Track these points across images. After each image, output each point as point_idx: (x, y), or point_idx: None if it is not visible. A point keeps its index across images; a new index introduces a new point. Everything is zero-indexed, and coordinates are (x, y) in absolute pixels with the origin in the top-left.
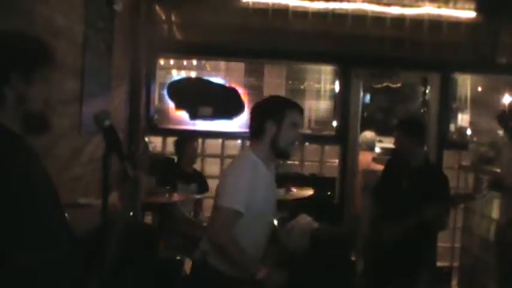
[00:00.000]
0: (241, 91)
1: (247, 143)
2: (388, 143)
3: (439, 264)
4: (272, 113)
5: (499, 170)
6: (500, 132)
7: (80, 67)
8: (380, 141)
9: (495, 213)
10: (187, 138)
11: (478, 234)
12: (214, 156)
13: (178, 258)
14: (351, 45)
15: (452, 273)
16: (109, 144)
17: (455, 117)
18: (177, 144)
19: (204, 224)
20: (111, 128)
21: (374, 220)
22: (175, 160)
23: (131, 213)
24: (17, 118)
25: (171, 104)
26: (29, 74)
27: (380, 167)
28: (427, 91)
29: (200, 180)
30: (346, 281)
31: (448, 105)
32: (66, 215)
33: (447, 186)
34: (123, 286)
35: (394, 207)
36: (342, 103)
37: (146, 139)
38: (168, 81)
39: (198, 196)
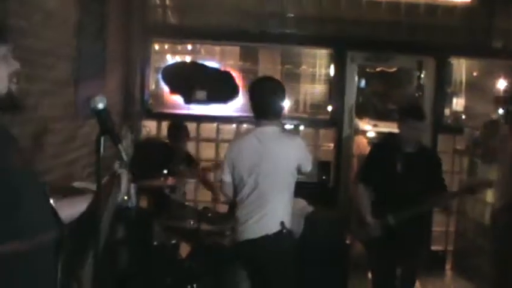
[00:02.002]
0: (236, 75)
1: (244, 125)
2: (383, 127)
3: (433, 248)
4: (285, 93)
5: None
6: (494, 116)
7: (74, 50)
8: (375, 125)
9: (489, 197)
10: (177, 127)
11: (472, 218)
12: (209, 140)
13: (173, 242)
14: (346, 29)
15: (446, 257)
16: (103, 128)
17: (450, 102)
18: (169, 129)
19: (200, 208)
20: (105, 112)
21: (372, 204)
22: (168, 144)
23: (126, 197)
24: None
25: (165, 88)
26: None
27: None
28: (422, 75)
29: (189, 162)
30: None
31: (443, 90)
32: (50, 200)
33: (441, 167)
34: (118, 270)
35: (390, 191)
36: (337, 87)
37: (129, 124)
38: (163, 65)
39: (189, 180)
